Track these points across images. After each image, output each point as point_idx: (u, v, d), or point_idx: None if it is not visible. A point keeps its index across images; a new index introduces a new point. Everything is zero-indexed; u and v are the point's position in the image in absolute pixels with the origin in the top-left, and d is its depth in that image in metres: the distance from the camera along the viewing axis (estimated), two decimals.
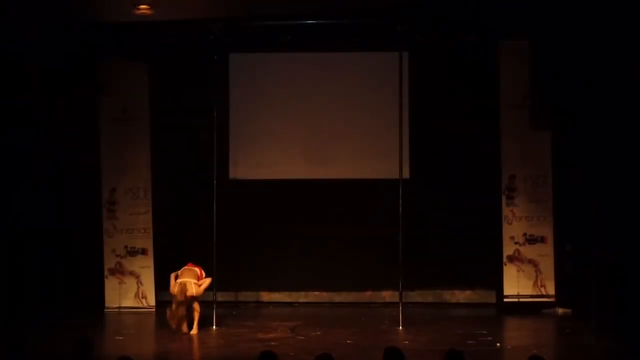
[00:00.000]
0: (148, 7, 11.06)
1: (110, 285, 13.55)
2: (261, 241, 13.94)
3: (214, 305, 12.14)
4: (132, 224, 13.58)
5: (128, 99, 13.56)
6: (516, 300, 13.29)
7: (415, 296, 13.98)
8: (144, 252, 13.58)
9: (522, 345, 11.00)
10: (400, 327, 11.94)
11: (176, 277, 11.54)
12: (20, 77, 12.04)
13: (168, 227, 13.79)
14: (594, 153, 11.17)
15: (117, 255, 13.55)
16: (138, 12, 11.18)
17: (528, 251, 13.35)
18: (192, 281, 11.45)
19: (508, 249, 13.36)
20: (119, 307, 13.47)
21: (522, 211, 13.37)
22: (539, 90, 11.36)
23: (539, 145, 13.29)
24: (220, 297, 12.76)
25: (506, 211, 13.41)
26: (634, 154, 10.72)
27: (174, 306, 11.39)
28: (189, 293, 11.34)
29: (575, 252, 12.61)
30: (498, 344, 11.11)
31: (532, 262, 13.34)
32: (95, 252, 13.54)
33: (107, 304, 13.50)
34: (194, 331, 11.58)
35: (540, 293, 13.28)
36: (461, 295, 14.11)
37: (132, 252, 13.57)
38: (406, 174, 13.41)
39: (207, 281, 11.69)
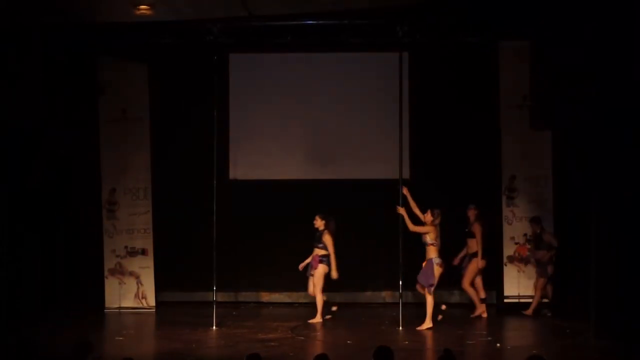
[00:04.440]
0: (148, 7, 11.05)
1: (110, 285, 13.54)
2: (261, 241, 13.94)
3: (214, 306, 12.14)
4: (132, 224, 13.59)
5: (128, 99, 13.56)
6: (516, 300, 13.29)
7: (415, 296, 13.98)
8: (144, 252, 13.58)
9: (522, 345, 11.00)
10: (400, 327, 11.94)
11: None
12: (20, 77, 12.03)
13: (168, 227, 13.79)
14: (594, 153, 11.16)
15: (117, 256, 13.55)
16: (138, 12, 11.18)
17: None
18: None
19: (508, 250, 13.38)
20: (119, 308, 13.47)
21: (522, 211, 13.38)
22: (539, 90, 11.35)
23: (539, 145, 13.30)
24: (220, 297, 12.78)
25: (506, 211, 13.42)
26: (634, 153, 10.71)
27: None
28: None
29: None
30: (498, 344, 11.10)
31: (533, 263, 13.33)
32: (95, 252, 13.55)
33: (107, 305, 13.49)
34: None
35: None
36: (463, 296, 14.10)
37: (132, 253, 13.57)
38: (406, 174, 13.42)
39: None
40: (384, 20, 12.32)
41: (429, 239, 11.96)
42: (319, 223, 12.62)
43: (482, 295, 13.04)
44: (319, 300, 12.58)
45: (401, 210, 12.20)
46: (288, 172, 14.27)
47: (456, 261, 13.07)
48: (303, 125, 14.29)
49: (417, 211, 12.24)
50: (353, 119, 14.22)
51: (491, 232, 13.43)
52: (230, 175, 14.29)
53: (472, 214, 12.92)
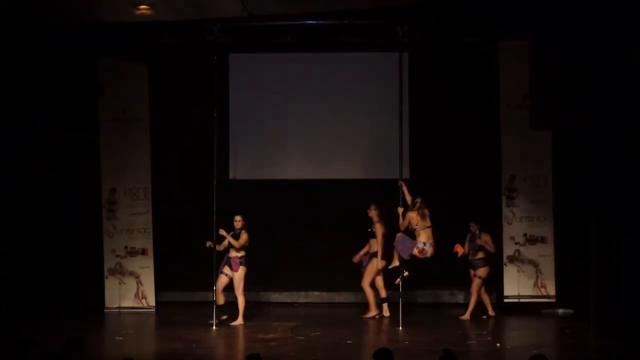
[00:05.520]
0: (148, 7, 11.04)
1: (110, 285, 13.54)
2: (261, 241, 13.90)
3: (214, 305, 12.14)
4: (132, 224, 13.59)
5: (128, 99, 13.55)
6: (516, 300, 13.30)
7: (415, 296, 13.99)
8: (144, 252, 13.59)
9: (522, 345, 11.00)
10: (400, 327, 11.94)
11: None
12: (20, 77, 12.02)
13: (168, 227, 13.78)
14: (594, 153, 11.16)
15: (117, 256, 13.55)
16: (138, 12, 11.16)
17: (528, 251, 13.36)
18: None
19: (508, 250, 13.38)
20: (119, 308, 13.47)
21: (522, 211, 13.38)
22: (539, 90, 11.36)
23: (539, 145, 13.29)
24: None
25: (506, 211, 13.42)
26: (634, 153, 10.71)
27: None
28: None
29: (577, 266, 12.57)
30: (498, 344, 11.10)
31: (533, 263, 13.35)
32: (95, 252, 13.54)
33: (107, 304, 13.50)
34: None
35: (540, 293, 13.29)
36: (461, 295, 14.11)
37: (132, 253, 13.58)
38: (406, 174, 13.41)
39: None
40: (384, 20, 12.32)
41: (413, 225, 12.14)
42: (240, 223, 12.35)
43: (383, 295, 12.91)
44: (242, 302, 12.29)
45: (399, 211, 12.25)
46: (288, 172, 14.27)
47: (356, 259, 12.96)
48: (303, 125, 14.29)
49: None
50: (353, 118, 14.22)
51: (491, 232, 13.45)
52: (230, 175, 14.30)
53: (373, 214, 12.84)
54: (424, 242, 12.14)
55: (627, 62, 10.29)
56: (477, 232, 12.75)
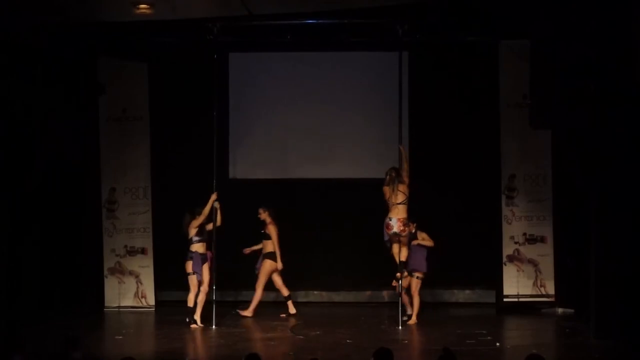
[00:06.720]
0: (148, 7, 11.04)
1: (110, 284, 13.56)
2: (260, 240, 13.91)
3: (214, 305, 12.14)
4: (132, 223, 13.60)
5: (128, 99, 13.56)
6: (516, 300, 13.30)
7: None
8: (143, 251, 13.60)
9: (522, 345, 11.00)
10: (400, 327, 11.95)
11: None
12: (20, 77, 12.02)
13: (168, 227, 13.77)
14: (594, 152, 11.16)
15: (117, 255, 13.56)
16: (138, 12, 11.16)
17: (528, 251, 13.37)
18: None
19: (508, 249, 13.37)
20: (119, 307, 13.49)
21: (522, 211, 13.38)
22: (539, 90, 11.35)
23: (539, 145, 13.30)
24: (220, 297, 12.74)
25: (506, 211, 13.42)
26: (634, 153, 10.72)
27: None
28: None
29: (578, 266, 12.53)
30: (498, 344, 11.11)
31: (532, 262, 13.35)
32: (95, 251, 13.55)
33: (106, 304, 13.51)
34: None
35: (540, 293, 13.29)
36: (461, 295, 14.12)
37: (132, 252, 13.59)
38: None
39: None
40: (384, 20, 12.32)
41: (388, 200, 12.03)
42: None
43: (285, 293, 12.99)
44: (203, 300, 12.26)
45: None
46: (288, 171, 14.28)
47: (246, 251, 12.97)
48: (303, 125, 14.29)
49: (405, 173, 12.14)
50: (353, 118, 14.22)
51: (491, 232, 13.46)
52: (230, 175, 14.30)
53: (264, 216, 12.75)
54: (390, 217, 11.98)
55: (628, 62, 10.28)
56: (414, 231, 12.57)
